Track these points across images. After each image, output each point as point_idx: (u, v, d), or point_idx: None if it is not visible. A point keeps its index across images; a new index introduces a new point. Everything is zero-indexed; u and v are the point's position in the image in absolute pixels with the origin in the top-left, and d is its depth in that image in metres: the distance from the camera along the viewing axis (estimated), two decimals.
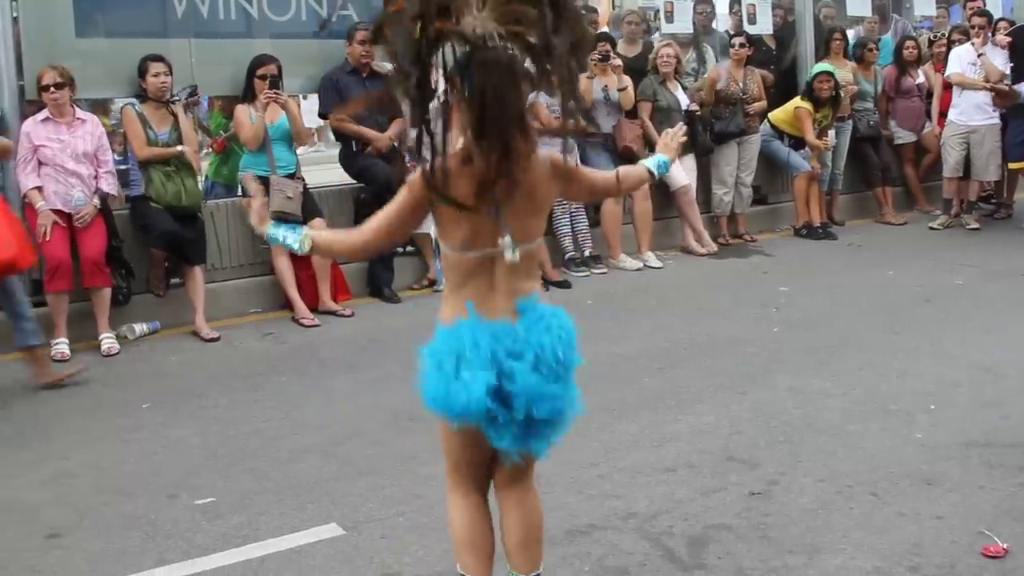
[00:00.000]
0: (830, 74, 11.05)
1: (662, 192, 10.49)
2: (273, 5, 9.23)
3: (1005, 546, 4.20)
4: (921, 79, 12.38)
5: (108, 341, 7.62)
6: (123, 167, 8.65)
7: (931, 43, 12.80)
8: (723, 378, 6.57)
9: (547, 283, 9.28)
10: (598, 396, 6.29)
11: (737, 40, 11.17)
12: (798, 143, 11.30)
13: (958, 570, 4.06)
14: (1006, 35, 11.46)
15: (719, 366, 6.82)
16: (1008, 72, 11.21)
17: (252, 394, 6.66)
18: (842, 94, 11.23)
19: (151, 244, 8.11)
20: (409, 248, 9.56)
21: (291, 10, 9.35)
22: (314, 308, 8.44)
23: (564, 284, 9.39)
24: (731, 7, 13.02)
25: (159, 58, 8.20)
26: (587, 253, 9.91)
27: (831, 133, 11.41)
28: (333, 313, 8.48)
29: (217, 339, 7.88)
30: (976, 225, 11.48)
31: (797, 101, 11.25)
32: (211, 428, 6.05)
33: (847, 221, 12.00)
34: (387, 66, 9.09)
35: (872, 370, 6.62)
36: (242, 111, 8.59)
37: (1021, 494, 4.73)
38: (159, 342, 7.93)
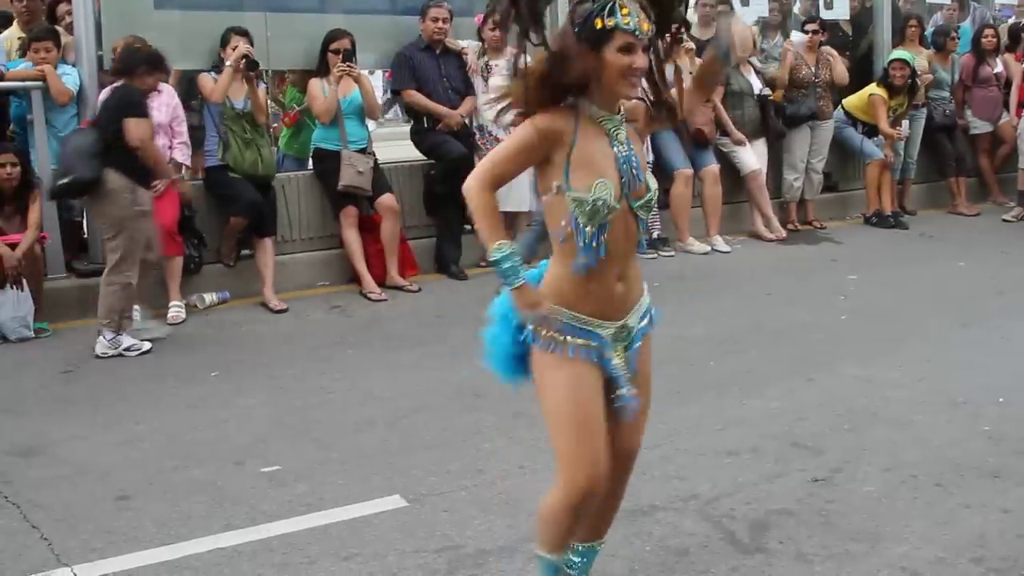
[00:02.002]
0: (906, 62, 10.91)
1: (732, 176, 10.44)
2: None
3: None
4: (999, 68, 12.17)
5: (175, 309, 7.75)
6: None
7: (1020, 31, 12.54)
8: (789, 364, 6.53)
9: None
10: (663, 379, 6.23)
11: (810, 27, 11.06)
12: (871, 130, 11.18)
13: (1021, 564, 4.02)
14: None
15: (785, 352, 6.79)
16: None
17: (319, 365, 6.73)
18: (918, 83, 11.09)
19: (236, 213, 8.17)
20: None
21: None
22: (382, 283, 8.50)
23: None
24: None
25: (243, 31, 8.29)
26: (656, 235, 9.89)
27: (905, 122, 11.28)
28: (400, 288, 8.54)
29: (285, 310, 7.96)
30: None
31: (872, 88, 11.13)
32: (278, 398, 6.14)
33: (919, 211, 11.86)
34: (460, 43, 9.20)
35: (940, 361, 6.56)
36: (315, 85, 8.64)
37: None
38: (228, 312, 8.04)
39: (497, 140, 9.06)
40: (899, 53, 11.18)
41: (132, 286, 6.97)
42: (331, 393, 6.21)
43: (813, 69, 10.91)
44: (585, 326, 3.25)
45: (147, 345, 7.05)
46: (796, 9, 12.77)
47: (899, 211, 11.46)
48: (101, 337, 6.94)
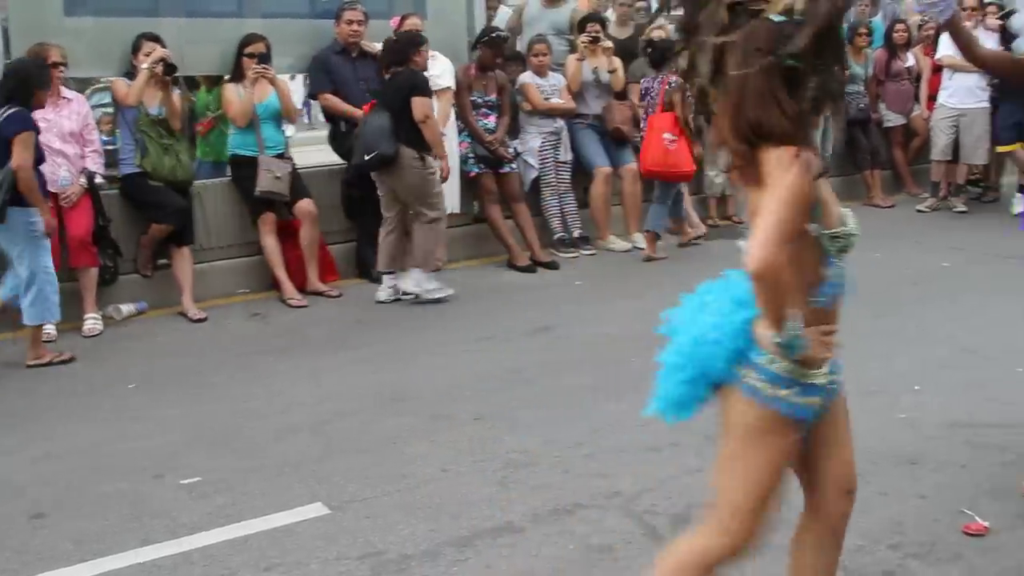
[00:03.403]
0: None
1: None
2: None
3: (986, 524, 4.23)
4: (911, 62, 12.37)
5: (91, 321, 7.62)
6: (111, 147, 8.61)
7: (920, 26, 12.78)
8: None
9: (535, 263, 9.31)
10: (585, 375, 6.33)
11: None
12: None
13: (939, 548, 4.09)
14: (997, 18, 11.46)
15: None
16: None
17: (239, 374, 6.67)
18: None
19: (161, 220, 8.05)
20: None
21: None
22: (302, 289, 8.44)
23: (552, 265, 9.40)
24: None
25: (154, 37, 8.18)
26: (576, 234, 9.93)
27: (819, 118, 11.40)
28: (321, 294, 8.48)
29: (204, 319, 7.88)
30: (963, 208, 11.51)
31: None
32: (197, 408, 6.07)
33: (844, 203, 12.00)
34: (376, 46, 9.16)
35: (857, 351, 6.56)
36: (230, 89, 8.56)
37: (1003, 473, 4.75)
38: (146, 323, 7.93)
39: None
40: None
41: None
42: (252, 402, 6.15)
43: None
44: (815, 381, 2.91)
45: (449, 291, 8.25)
46: None
47: None
48: (410, 275, 8.18)
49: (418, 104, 7.97)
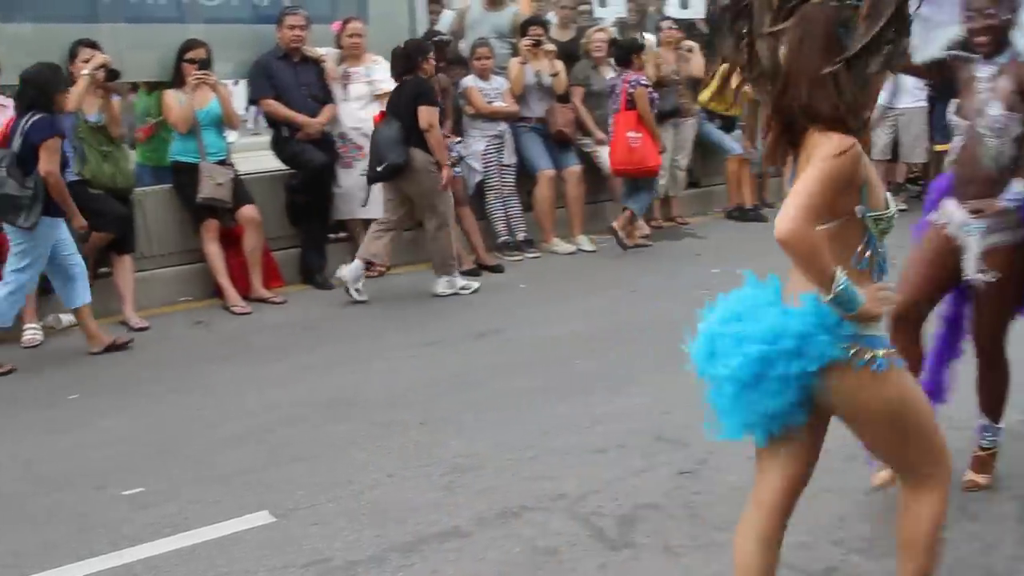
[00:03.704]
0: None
1: (595, 176, 10.53)
2: None
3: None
4: None
5: (31, 332, 7.52)
6: None
7: None
8: (654, 360, 6.59)
9: (480, 267, 9.31)
10: (530, 378, 6.34)
11: (665, 23, 11.23)
12: (728, 125, 11.39)
13: (881, 543, 4.12)
14: None
15: (651, 348, 6.85)
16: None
17: (183, 383, 6.61)
18: None
19: (102, 228, 7.89)
20: (341, 234, 9.53)
21: None
22: (246, 296, 8.39)
23: (497, 268, 9.41)
24: None
25: (91, 43, 8.09)
26: (520, 237, 9.94)
27: (761, 117, 11.51)
28: (265, 300, 8.43)
29: (147, 328, 7.80)
30: (904, 206, 11.60)
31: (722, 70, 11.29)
32: (141, 418, 6.01)
33: (778, 203, 12.08)
34: (318, 51, 9.12)
35: None
36: (171, 95, 8.49)
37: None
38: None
39: (359, 147, 9.03)
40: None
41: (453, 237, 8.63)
42: (196, 410, 6.10)
43: (674, 66, 11.05)
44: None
45: (476, 285, 8.66)
46: (652, 9, 12.97)
47: (759, 204, 11.70)
48: (440, 281, 8.51)
49: (423, 113, 8.21)
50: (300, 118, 8.97)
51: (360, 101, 9.16)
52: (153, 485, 4.99)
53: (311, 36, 9.16)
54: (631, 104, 9.75)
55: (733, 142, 11.37)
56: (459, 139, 9.69)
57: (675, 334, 7.39)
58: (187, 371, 6.85)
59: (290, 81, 9.04)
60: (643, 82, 9.89)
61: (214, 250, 8.37)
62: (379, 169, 8.30)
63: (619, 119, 9.84)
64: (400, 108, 8.34)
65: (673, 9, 12.70)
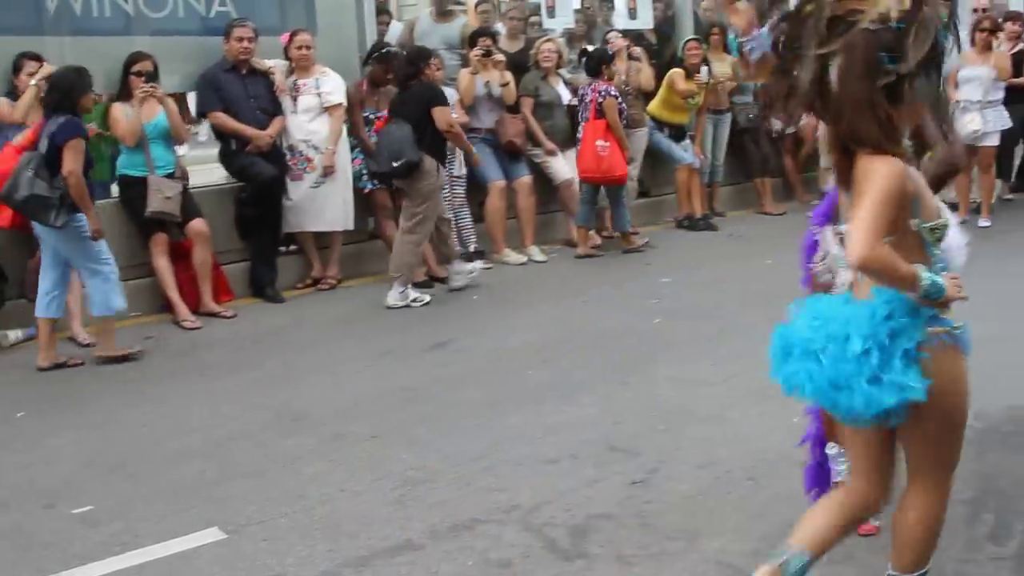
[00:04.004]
0: (699, 41, 11.30)
1: (545, 187, 10.55)
2: (150, 2, 9.05)
3: (877, 524, 4.31)
4: None
5: None
6: None
7: None
8: (606, 369, 6.64)
9: (431, 279, 9.30)
10: (482, 389, 6.34)
11: (611, 34, 11.28)
12: (678, 135, 11.46)
13: (835, 551, 4.15)
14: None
15: (602, 357, 6.89)
16: None
17: (132, 399, 6.55)
18: (718, 86, 11.46)
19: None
20: (292, 247, 9.49)
21: (168, 6, 9.19)
22: (195, 310, 8.31)
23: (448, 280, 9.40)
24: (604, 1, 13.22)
25: (35, 56, 8.01)
26: (472, 248, 9.94)
27: (709, 127, 11.64)
28: (215, 315, 8.36)
29: (95, 344, 7.71)
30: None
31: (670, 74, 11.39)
32: (90, 435, 5.94)
33: (728, 212, 12.20)
34: (266, 63, 9.08)
35: (751, 357, 6.67)
36: (118, 108, 8.41)
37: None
38: (35, 348, 7.68)
39: (308, 160, 9.01)
40: (693, 36, 11.60)
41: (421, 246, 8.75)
42: (145, 427, 6.04)
43: (624, 77, 11.09)
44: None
45: (427, 298, 8.61)
46: (600, 20, 13.03)
47: (709, 213, 11.79)
48: (392, 290, 8.49)
49: (440, 114, 8.56)
50: (249, 131, 8.92)
51: (309, 113, 9.13)
52: (103, 503, 4.94)
53: (259, 48, 9.11)
54: (600, 113, 9.93)
55: (683, 152, 11.43)
56: None
57: (625, 343, 7.52)
58: (137, 387, 6.79)
59: (238, 93, 8.98)
60: (612, 92, 10.03)
61: (163, 264, 8.31)
62: (396, 165, 8.48)
63: (588, 128, 10.02)
64: (406, 111, 8.59)
65: (621, 20, 12.78)
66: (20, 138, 7.50)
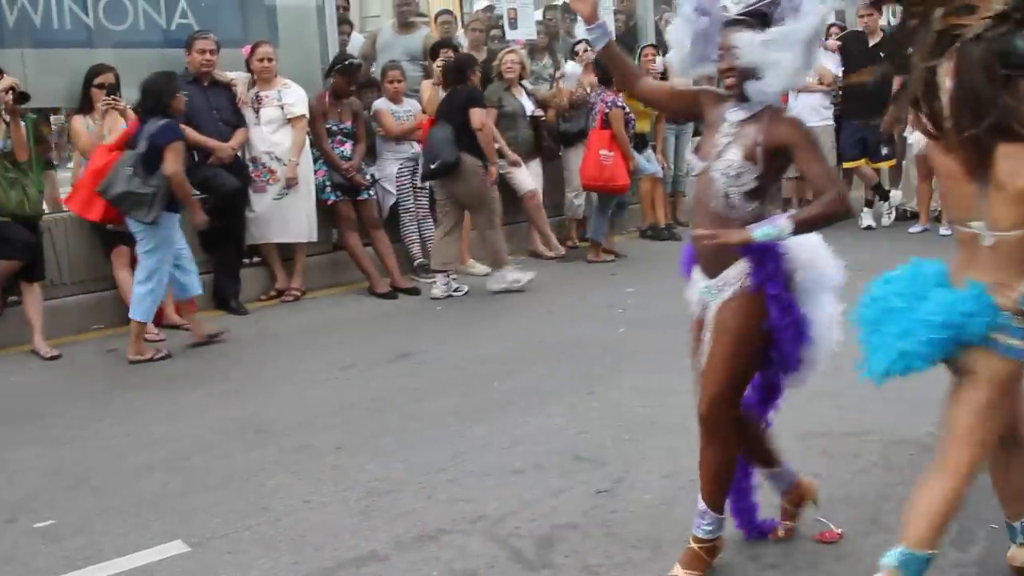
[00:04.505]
0: (656, 47, 11.39)
1: (509, 197, 10.56)
2: (110, 14, 9.03)
3: (839, 531, 4.36)
4: None
5: None
6: None
7: None
8: (570, 379, 6.65)
9: (396, 290, 9.30)
10: (448, 400, 6.34)
11: (580, 46, 11.32)
12: (639, 144, 11.50)
13: (796, 557, 4.20)
14: (836, 40, 11.87)
15: (567, 368, 6.91)
16: (839, 75, 11.64)
17: (95, 412, 6.50)
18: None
19: (8, 256, 7.75)
20: (255, 259, 9.47)
21: (129, 19, 9.16)
22: (159, 322, 8.26)
23: (413, 291, 9.40)
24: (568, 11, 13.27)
25: None
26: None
27: (671, 136, 11.69)
28: (178, 327, 8.31)
29: (58, 357, 7.67)
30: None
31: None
32: (52, 449, 5.90)
33: (690, 221, 12.22)
34: (228, 75, 9.06)
35: None
36: (79, 121, 8.39)
37: (856, 480, 4.91)
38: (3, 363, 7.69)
39: (271, 171, 9.00)
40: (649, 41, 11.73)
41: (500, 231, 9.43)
42: (108, 440, 6.00)
43: (588, 89, 11.12)
44: None
45: (529, 275, 9.32)
46: (563, 31, 13.09)
47: (672, 223, 11.83)
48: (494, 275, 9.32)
49: (475, 114, 9.01)
50: (211, 142, 8.89)
51: (272, 125, 9.12)
52: (65, 517, 4.91)
53: (221, 60, 9.09)
54: (607, 123, 10.15)
55: (646, 162, 11.47)
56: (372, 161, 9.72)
57: (590, 353, 7.54)
58: (99, 400, 6.74)
59: (200, 105, 8.95)
60: (619, 103, 10.19)
61: (125, 277, 8.25)
62: (433, 167, 9.00)
63: (593, 137, 10.32)
64: (451, 113, 9.04)
65: (583, 31, 12.81)
66: (112, 139, 7.95)
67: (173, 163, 7.35)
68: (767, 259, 3.84)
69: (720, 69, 3.93)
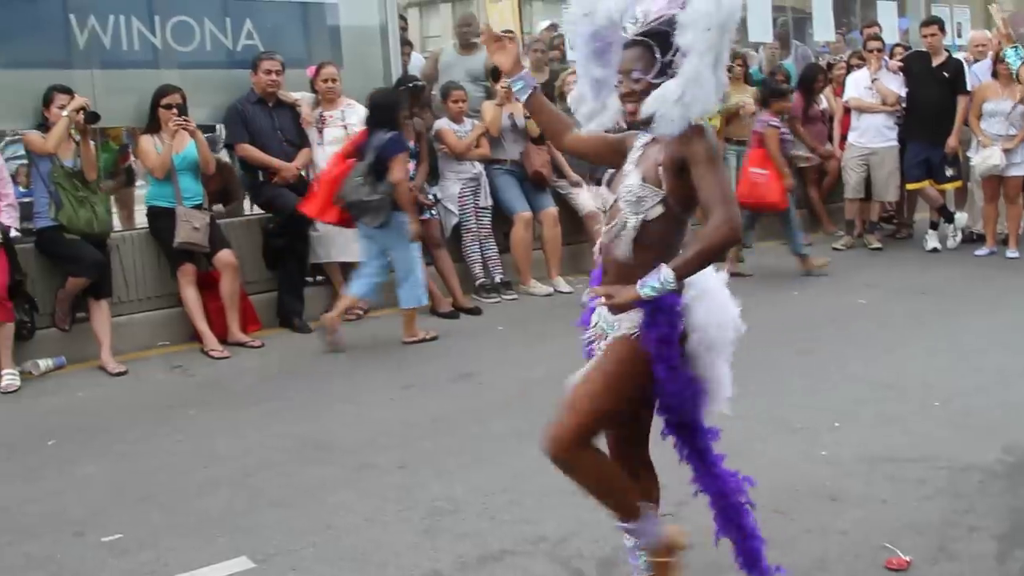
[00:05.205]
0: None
1: (571, 217, 10.58)
2: (177, 35, 9.17)
3: (908, 559, 4.30)
4: (824, 104, 12.58)
5: (9, 377, 7.46)
6: (27, 199, 8.50)
7: (830, 67, 13.01)
8: None
9: (457, 310, 9.33)
10: (509, 420, 6.34)
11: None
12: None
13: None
14: (899, 60, 11.78)
15: None
16: (903, 95, 11.54)
17: (160, 428, 6.58)
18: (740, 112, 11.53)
19: (77, 274, 7.91)
20: (319, 277, 9.54)
21: (196, 40, 9.29)
22: (223, 339, 8.37)
23: (475, 311, 9.43)
24: None
25: (65, 89, 8.09)
26: (497, 279, 9.96)
27: (731, 157, 11.65)
28: (243, 344, 8.41)
29: (124, 373, 7.77)
30: (878, 245, 11.74)
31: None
32: (119, 464, 5.98)
33: (753, 243, 12.15)
34: (293, 95, 9.15)
35: (777, 389, 6.73)
36: (147, 141, 8.51)
37: (922, 507, 4.84)
38: (65, 377, 7.80)
39: None
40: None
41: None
42: (174, 456, 6.07)
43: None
44: None
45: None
46: None
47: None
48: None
49: None
50: (276, 162, 8.99)
51: (335, 145, 9.17)
52: (131, 532, 4.97)
53: (285, 81, 9.19)
54: (762, 143, 10.44)
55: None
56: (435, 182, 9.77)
57: None
58: (164, 416, 6.82)
59: (265, 125, 9.07)
60: (773, 123, 10.41)
61: (191, 294, 8.37)
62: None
63: (750, 155, 10.70)
64: None
65: None
66: (342, 147, 8.57)
67: (399, 172, 8.06)
68: (659, 316, 3.55)
69: (620, 95, 3.66)
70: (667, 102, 3.43)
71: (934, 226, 11.90)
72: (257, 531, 4.91)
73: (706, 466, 4.03)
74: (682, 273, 3.43)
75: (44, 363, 7.86)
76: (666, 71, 3.50)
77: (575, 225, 10.68)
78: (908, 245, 11.97)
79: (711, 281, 3.71)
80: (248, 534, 4.88)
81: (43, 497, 5.50)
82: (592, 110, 3.81)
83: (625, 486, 3.88)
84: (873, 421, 6.07)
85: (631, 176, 3.61)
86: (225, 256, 8.48)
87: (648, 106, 3.48)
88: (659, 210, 3.54)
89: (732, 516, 3.98)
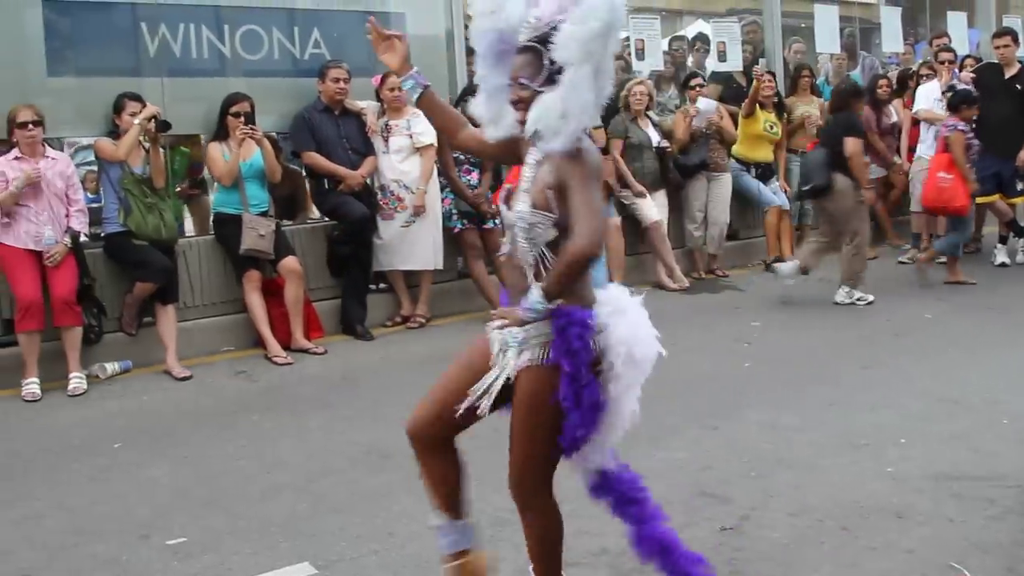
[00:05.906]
0: (772, 73, 11.40)
1: (634, 228, 10.55)
2: (246, 43, 9.26)
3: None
4: (895, 117, 12.43)
5: (76, 380, 7.57)
6: (95, 204, 8.63)
7: (907, 78, 12.82)
8: (694, 413, 6.59)
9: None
10: None
11: (695, 81, 11.28)
12: (765, 175, 11.41)
13: None
14: (971, 72, 11.63)
15: (690, 402, 6.84)
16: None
17: (224, 433, 6.64)
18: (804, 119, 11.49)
19: (145, 279, 8.02)
20: (382, 285, 9.59)
21: (264, 48, 9.38)
22: (287, 346, 8.43)
23: None
24: (694, 45, 13.22)
25: (136, 96, 8.20)
26: None
27: (794, 168, 11.57)
28: (306, 351, 8.47)
29: (189, 378, 7.85)
30: (944, 259, 11.58)
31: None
32: (183, 467, 6.03)
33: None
34: (359, 104, 9.20)
35: (842, 404, 6.67)
36: (215, 148, 8.60)
37: (990, 526, 4.76)
38: (131, 381, 7.90)
39: (399, 199, 9.10)
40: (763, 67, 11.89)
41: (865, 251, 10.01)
42: (237, 460, 6.12)
43: (706, 120, 11.09)
44: None
45: (870, 297, 9.77)
46: (689, 62, 13.05)
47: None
48: (840, 290, 9.82)
49: (849, 143, 9.70)
50: (342, 170, 9.04)
51: (400, 154, 9.22)
52: (195, 535, 5.01)
53: (351, 89, 9.25)
54: (947, 147, 10.50)
55: (772, 194, 11.38)
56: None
57: (714, 387, 7.46)
58: (228, 421, 6.89)
59: (331, 134, 9.12)
60: (960, 127, 10.46)
61: (256, 300, 8.44)
62: (804, 188, 10.02)
63: (934, 160, 10.81)
64: (829, 138, 9.96)
65: (712, 62, 12.79)
66: None
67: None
68: (569, 331, 3.52)
69: (511, 101, 3.57)
70: (550, 117, 3.37)
71: (1003, 240, 11.73)
72: (319, 537, 4.93)
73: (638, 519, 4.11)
74: (552, 292, 3.44)
75: (111, 367, 7.96)
76: (554, 79, 3.41)
77: (638, 236, 10.66)
78: (975, 259, 11.79)
79: (624, 300, 3.76)
80: (310, 540, 4.90)
81: (109, 499, 5.57)
82: (491, 116, 3.72)
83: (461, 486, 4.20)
84: (939, 438, 5.99)
85: (522, 202, 3.53)
86: (290, 263, 8.54)
87: (531, 122, 3.43)
88: (552, 233, 3.49)
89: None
